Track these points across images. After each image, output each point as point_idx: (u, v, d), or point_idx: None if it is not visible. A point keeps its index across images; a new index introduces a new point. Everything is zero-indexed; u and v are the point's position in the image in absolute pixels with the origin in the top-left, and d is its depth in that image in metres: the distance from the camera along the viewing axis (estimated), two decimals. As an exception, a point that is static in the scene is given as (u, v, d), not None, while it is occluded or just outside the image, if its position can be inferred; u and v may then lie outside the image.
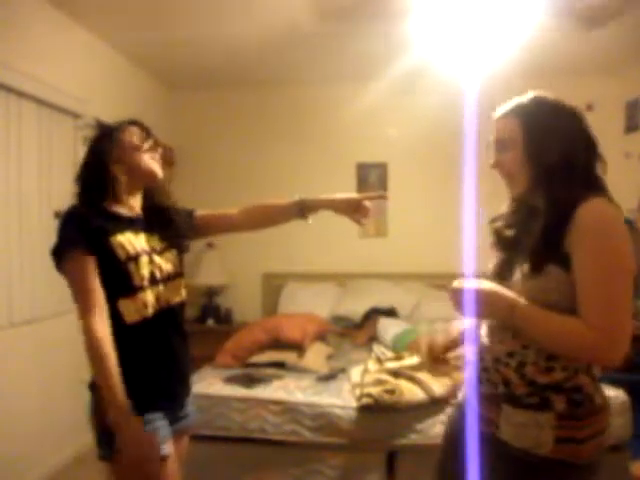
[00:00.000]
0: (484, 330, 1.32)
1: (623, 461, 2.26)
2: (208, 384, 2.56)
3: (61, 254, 1.34)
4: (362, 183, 4.38)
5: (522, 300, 1.15)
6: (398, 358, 2.67)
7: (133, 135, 1.51)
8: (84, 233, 1.34)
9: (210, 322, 4.20)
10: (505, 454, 1.18)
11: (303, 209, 1.69)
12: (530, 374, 1.16)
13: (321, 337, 3.26)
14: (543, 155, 1.18)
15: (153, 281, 1.43)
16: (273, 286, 4.39)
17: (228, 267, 4.30)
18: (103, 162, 1.45)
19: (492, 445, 1.21)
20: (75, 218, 1.37)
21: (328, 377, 2.65)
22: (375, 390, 2.28)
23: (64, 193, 3.06)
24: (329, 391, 2.46)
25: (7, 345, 2.59)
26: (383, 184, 4.37)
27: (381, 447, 2.31)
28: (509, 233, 1.29)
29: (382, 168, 4.37)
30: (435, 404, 2.29)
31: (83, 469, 2.91)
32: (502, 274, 1.27)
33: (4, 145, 2.59)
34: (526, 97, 1.26)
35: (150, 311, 1.41)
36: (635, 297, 1.16)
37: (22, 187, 2.70)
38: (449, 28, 3.06)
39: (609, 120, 3.90)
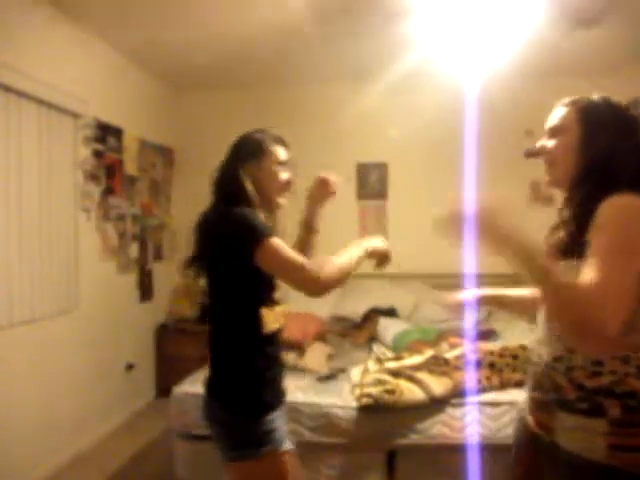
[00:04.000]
0: (535, 335, 1.31)
1: None
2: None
3: (265, 238, 1.36)
4: (362, 183, 4.38)
5: (526, 234, 1.07)
6: (398, 358, 2.67)
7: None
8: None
9: (210, 322, 4.20)
10: (560, 458, 1.17)
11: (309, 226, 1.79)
12: (578, 378, 1.15)
13: (321, 337, 3.26)
14: (591, 148, 1.19)
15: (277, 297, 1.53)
16: (273, 286, 4.38)
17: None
18: None
19: (548, 449, 1.20)
20: (256, 215, 1.43)
21: (328, 377, 2.65)
22: (375, 390, 2.28)
23: (64, 193, 3.08)
24: (329, 391, 2.46)
25: (7, 345, 2.59)
26: (383, 184, 4.37)
27: (381, 447, 2.31)
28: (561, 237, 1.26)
29: (382, 168, 4.36)
30: (435, 404, 2.29)
31: (83, 469, 2.91)
32: None
33: (4, 145, 2.59)
34: (594, 96, 1.28)
35: (278, 325, 1.51)
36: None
37: (22, 187, 2.70)
38: (449, 28, 3.06)
39: (609, 120, 3.90)
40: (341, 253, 1.45)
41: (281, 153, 1.59)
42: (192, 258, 1.51)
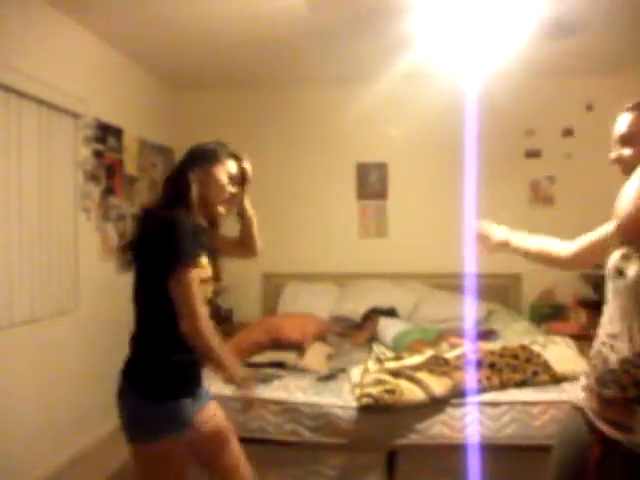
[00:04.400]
0: (607, 329, 1.28)
1: None
2: (208, 384, 2.55)
3: (182, 266, 1.47)
4: (362, 183, 4.38)
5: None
6: (398, 358, 2.67)
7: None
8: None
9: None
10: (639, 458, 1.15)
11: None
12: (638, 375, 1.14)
13: (321, 337, 3.26)
14: None
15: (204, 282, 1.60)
16: (273, 286, 4.38)
17: (228, 267, 4.27)
18: None
19: (624, 449, 1.17)
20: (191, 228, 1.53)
21: (328, 377, 2.65)
22: (375, 390, 2.28)
23: (64, 193, 3.08)
24: (329, 391, 2.46)
25: (7, 345, 2.59)
26: (383, 184, 4.37)
27: (381, 447, 2.31)
28: None
29: (382, 168, 4.36)
30: (435, 404, 2.29)
31: (83, 469, 2.91)
32: (619, 269, 1.25)
33: (4, 145, 2.59)
34: None
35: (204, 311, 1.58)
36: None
37: (22, 187, 2.70)
38: (449, 28, 3.06)
39: (609, 120, 3.90)
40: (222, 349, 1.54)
41: (232, 166, 1.69)
42: (127, 246, 1.63)
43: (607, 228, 1.21)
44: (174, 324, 1.49)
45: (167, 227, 1.49)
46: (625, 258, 1.24)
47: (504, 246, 1.70)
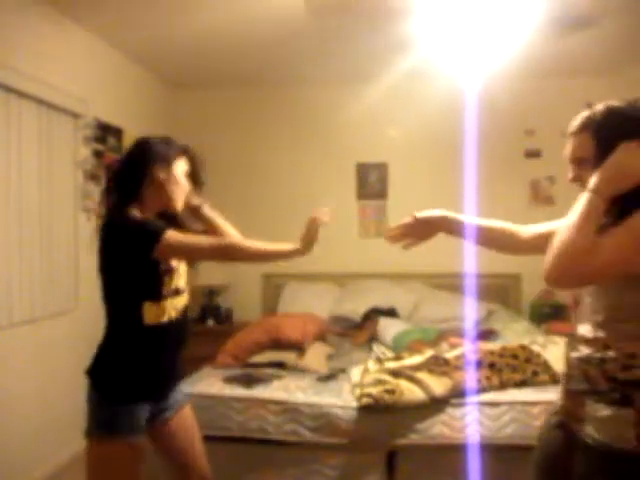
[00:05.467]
0: (574, 331, 1.33)
1: None
2: (208, 384, 2.56)
3: (160, 236, 1.48)
4: (362, 183, 4.38)
5: None
6: (398, 358, 2.67)
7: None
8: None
9: (210, 322, 4.20)
10: (590, 448, 1.20)
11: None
12: (611, 371, 1.18)
13: (321, 337, 3.26)
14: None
15: (174, 293, 1.62)
16: (273, 286, 4.38)
17: (228, 267, 4.29)
18: None
19: (578, 439, 1.23)
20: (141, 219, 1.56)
21: (328, 377, 2.65)
22: (375, 390, 2.28)
23: (64, 193, 3.08)
24: (329, 391, 2.46)
25: (7, 345, 2.59)
26: (383, 184, 4.37)
27: (381, 447, 2.31)
28: None
29: (382, 168, 4.36)
30: (435, 404, 2.29)
31: (83, 469, 2.90)
32: None
33: (4, 145, 2.59)
34: (599, 109, 1.23)
35: (165, 319, 1.59)
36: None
37: (22, 187, 2.70)
38: (449, 28, 3.06)
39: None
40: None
41: (182, 164, 1.67)
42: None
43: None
44: (136, 328, 1.53)
45: (124, 223, 1.52)
46: None
47: (443, 223, 1.63)
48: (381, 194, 4.37)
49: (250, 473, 2.38)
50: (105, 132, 3.41)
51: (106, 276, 1.58)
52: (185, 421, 1.73)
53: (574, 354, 1.29)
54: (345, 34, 3.23)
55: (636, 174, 1.14)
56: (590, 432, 1.20)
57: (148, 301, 1.55)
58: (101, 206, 1.64)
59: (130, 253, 1.50)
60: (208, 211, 1.80)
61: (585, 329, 1.27)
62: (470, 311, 3.56)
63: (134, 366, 1.57)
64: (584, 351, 1.25)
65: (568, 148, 1.29)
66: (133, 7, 2.88)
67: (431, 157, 4.24)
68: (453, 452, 2.22)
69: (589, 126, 1.22)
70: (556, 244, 1.14)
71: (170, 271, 1.59)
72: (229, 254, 1.61)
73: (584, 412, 1.23)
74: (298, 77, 4.18)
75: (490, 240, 1.61)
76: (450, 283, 3.98)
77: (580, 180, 1.27)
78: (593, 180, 1.16)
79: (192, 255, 1.63)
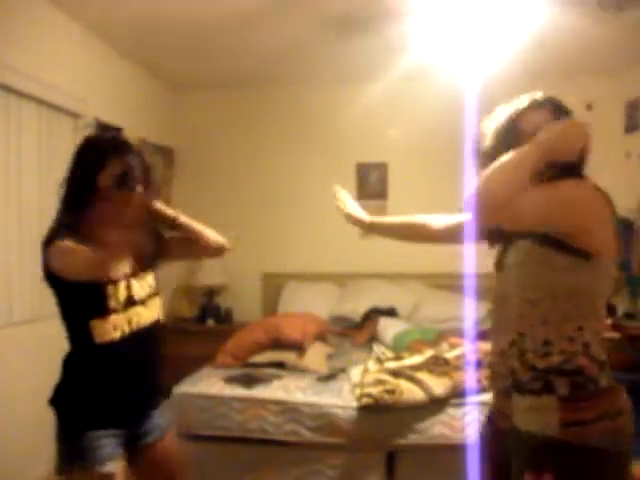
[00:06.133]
0: (491, 327, 1.36)
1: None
2: (208, 384, 2.56)
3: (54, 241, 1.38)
4: (362, 183, 4.38)
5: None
6: (398, 358, 2.67)
7: None
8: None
9: (210, 322, 4.20)
10: (520, 440, 1.21)
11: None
12: (530, 360, 1.19)
13: (321, 337, 3.26)
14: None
15: (128, 304, 1.48)
16: (273, 286, 4.38)
17: (228, 267, 4.29)
18: None
19: (510, 434, 1.24)
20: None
21: (328, 377, 2.65)
22: (375, 390, 2.28)
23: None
24: (329, 391, 2.46)
25: (7, 345, 2.59)
26: (383, 184, 4.37)
27: (381, 447, 2.31)
28: None
29: (382, 168, 4.36)
30: (435, 404, 2.29)
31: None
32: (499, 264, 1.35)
33: (4, 145, 2.59)
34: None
35: (118, 334, 1.45)
36: (634, 296, 1.19)
37: (22, 187, 2.70)
38: (449, 29, 3.06)
39: (609, 120, 3.90)
40: None
41: (132, 161, 1.49)
42: None
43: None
44: (88, 348, 1.44)
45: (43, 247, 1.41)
46: (504, 252, 1.32)
47: (363, 226, 1.70)
48: (381, 194, 4.37)
49: (250, 473, 2.38)
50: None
51: (55, 296, 1.48)
52: (166, 450, 1.59)
53: (495, 349, 1.30)
54: (345, 34, 3.23)
55: (573, 150, 1.17)
56: (517, 424, 1.21)
57: (95, 318, 1.43)
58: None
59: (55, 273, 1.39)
60: (184, 220, 1.64)
61: (499, 320, 1.30)
62: (470, 311, 3.56)
63: (92, 390, 1.45)
64: (505, 342, 1.25)
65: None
66: (134, 7, 2.88)
67: (431, 157, 4.24)
68: (453, 452, 2.22)
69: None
70: (493, 167, 1.15)
71: (115, 282, 1.44)
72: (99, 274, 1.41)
73: (511, 407, 1.23)
74: (298, 77, 4.18)
75: (404, 236, 1.72)
76: (450, 283, 3.97)
77: None
78: (542, 135, 1.16)
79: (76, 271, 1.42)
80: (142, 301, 1.53)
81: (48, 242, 1.41)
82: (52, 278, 1.42)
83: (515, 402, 1.22)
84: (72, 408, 1.46)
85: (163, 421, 1.60)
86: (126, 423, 1.49)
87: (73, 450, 1.43)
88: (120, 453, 1.46)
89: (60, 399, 1.49)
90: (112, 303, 1.44)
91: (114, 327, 1.45)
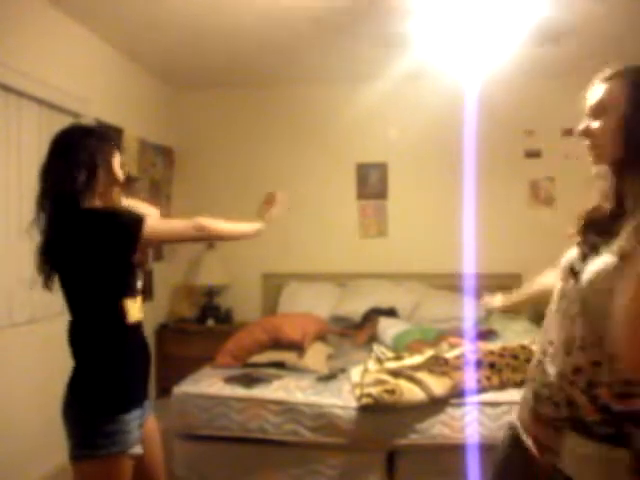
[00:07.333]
0: (548, 336, 1.11)
1: None
2: (208, 384, 2.56)
3: (143, 224, 1.42)
4: (362, 183, 4.38)
5: None
6: (398, 358, 2.67)
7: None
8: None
9: (210, 322, 4.20)
10: None
11: None
12: (603, 398, 0.95)
13: (321, 337, 3.26)
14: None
15: (142, 291, 1.56)
16: (273, 286, 4.38)
17: (228, 267, 4.30)
18: None
19: (548, 475, 1.03)
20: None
21: (328, 377, 2.65)
22: (375, 390, 2.28)
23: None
24: (329, 391, 2.46)
25: (7, 345, 2.59)
26: (383, 184, 4.37)
27: (381, 447, 2.31)
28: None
29: (382, 168, 4.36)
30: (435, 404, 2.29)
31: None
32: (574, 270, 1.10)
33: (4, 145, 2.59)
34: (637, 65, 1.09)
35: (142, 316, 1.54)
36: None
37: (22, 187, 2.70)
38: (449, 28, 3.06)
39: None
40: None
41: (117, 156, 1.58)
42: (44, 254, 1.50)
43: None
44: (120, 327, 1.45)
45: (95, 216, 1.43)
46: (583, 258, 1.07)
47: (511, 305, 1.71)
48: (381, 194, 4.37)
49: (250, 473, 2.38)
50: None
51: (78, 276, 1.47)
52: (151, 429, 1.63)
53: (551, 368, 1.04)
54: (345, 34, 3.23)
55: None
56: (567, 470, 0.98)
57: (127, 297, 1.46)
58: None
59: (111, 245, 1.40)
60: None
61: (564, 338, 1.04)
62: (470, 311, 3.56)
63: (124, 371, 1.46)
64: (568, 365, 1.01)
65: (591, 95, 1.14)
66: (134, 7, 2.88)
67: (431, 157, 4.24)
68: (453, 452, 2.22)
69: (627, 76, 1.08)
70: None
71: (140, 265, 1.53)
72: (202, 230, 1.51)
73: (559, 443, 1.00)
74: (298, 77, 4.18)
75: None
76: (450, 283, 3.97)
77: (587, 135, 1.13)
78: None
79: (172, 239, 1.62)
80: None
81: (83, 217, 1.41)
82: (91, 255, 1.41)
83: (569, 443, 0.99)
84: (103, 391, 1.44)
85: (147, 403, 1.63)
86: (142, 404, 1.53)
87: (101, 435, 1.40)
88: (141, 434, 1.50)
89: (87, 384, 1.46)
90: (139, 285, 1.52)
91: (139, 309, 1.51)
